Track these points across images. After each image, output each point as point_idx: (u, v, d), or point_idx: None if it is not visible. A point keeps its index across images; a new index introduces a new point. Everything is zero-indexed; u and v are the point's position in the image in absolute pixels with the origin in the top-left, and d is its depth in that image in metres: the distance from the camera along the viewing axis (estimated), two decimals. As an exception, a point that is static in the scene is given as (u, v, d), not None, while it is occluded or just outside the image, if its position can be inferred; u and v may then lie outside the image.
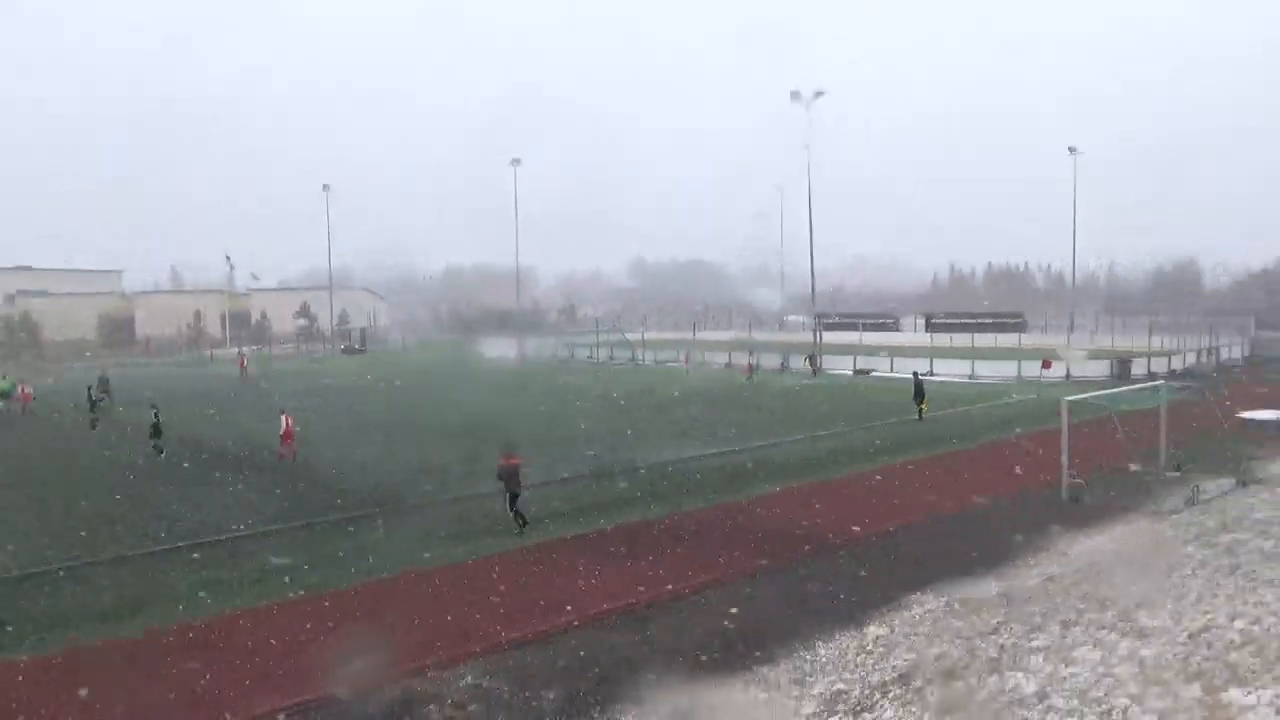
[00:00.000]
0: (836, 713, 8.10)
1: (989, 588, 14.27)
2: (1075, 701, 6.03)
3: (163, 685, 11.42)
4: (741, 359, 55.78)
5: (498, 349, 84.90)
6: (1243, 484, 20.31)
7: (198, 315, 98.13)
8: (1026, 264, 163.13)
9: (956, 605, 13.35)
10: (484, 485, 20.34)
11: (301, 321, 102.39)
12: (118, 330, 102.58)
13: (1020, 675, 7.16)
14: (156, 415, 28.61)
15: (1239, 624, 8.71)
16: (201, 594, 14.85)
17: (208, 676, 11.56)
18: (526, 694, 11.10)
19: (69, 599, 14.97)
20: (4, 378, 44.86)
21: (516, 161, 75.34)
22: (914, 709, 7.20)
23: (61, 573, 16.32)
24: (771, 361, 54.82)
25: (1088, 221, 76.74)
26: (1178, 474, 21.56)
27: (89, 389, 37.29)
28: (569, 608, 13.83)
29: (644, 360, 65.62)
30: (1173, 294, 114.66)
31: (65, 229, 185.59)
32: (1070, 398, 21.23)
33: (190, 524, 19.44)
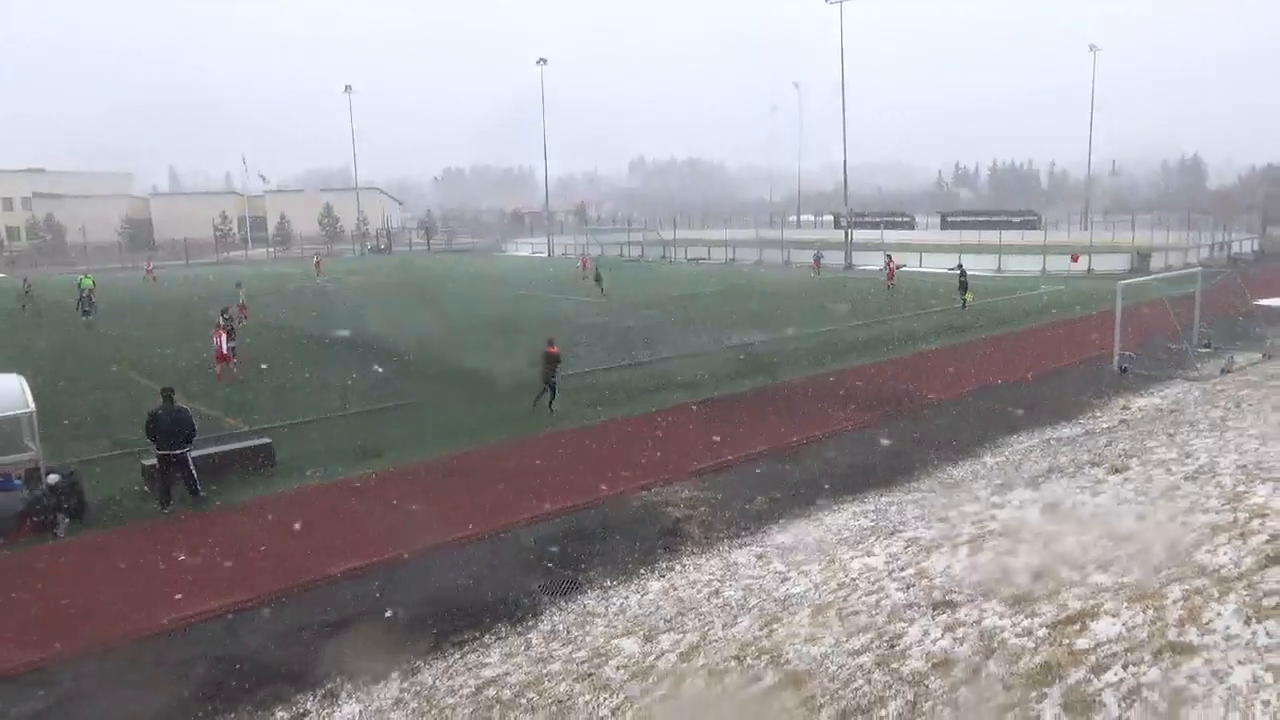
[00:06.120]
0: (1015, 488, 11.37)
1: (1071, 431, 17.66)
2: (1215, 454, 9.17)
3: (455, 498, 14.78)
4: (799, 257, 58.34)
5: (524, 249, 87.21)
6: (1268, 357, 23.62)
7: (224, 217, 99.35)
8: (1031, 161, 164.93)
9: (1051, 441, 16.75)
10: (605, 360, 23.62)
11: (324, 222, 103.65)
12: (139, 233, 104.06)
13: (1158, 452, 10.32)
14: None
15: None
16: (426, 439, 18.18)
17: (486, 492, 14.89)
18: (738, 501, 14.43)
19: (334, 441, 18.31)
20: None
21: (543, 61, 75.96)
22: (1082, 482, 10.39)
23: (329, 422, 19.96)
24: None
25: (1089, 121, 78.44)
26: (1209, 350, 24.89)
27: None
28: (735, 448, 17.14)
29: (675, 258, 68.35)
30: (1178, 191, 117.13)
31: (63, 129, 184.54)
32: (1123, 282, 24.33)
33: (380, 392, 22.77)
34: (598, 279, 44.92)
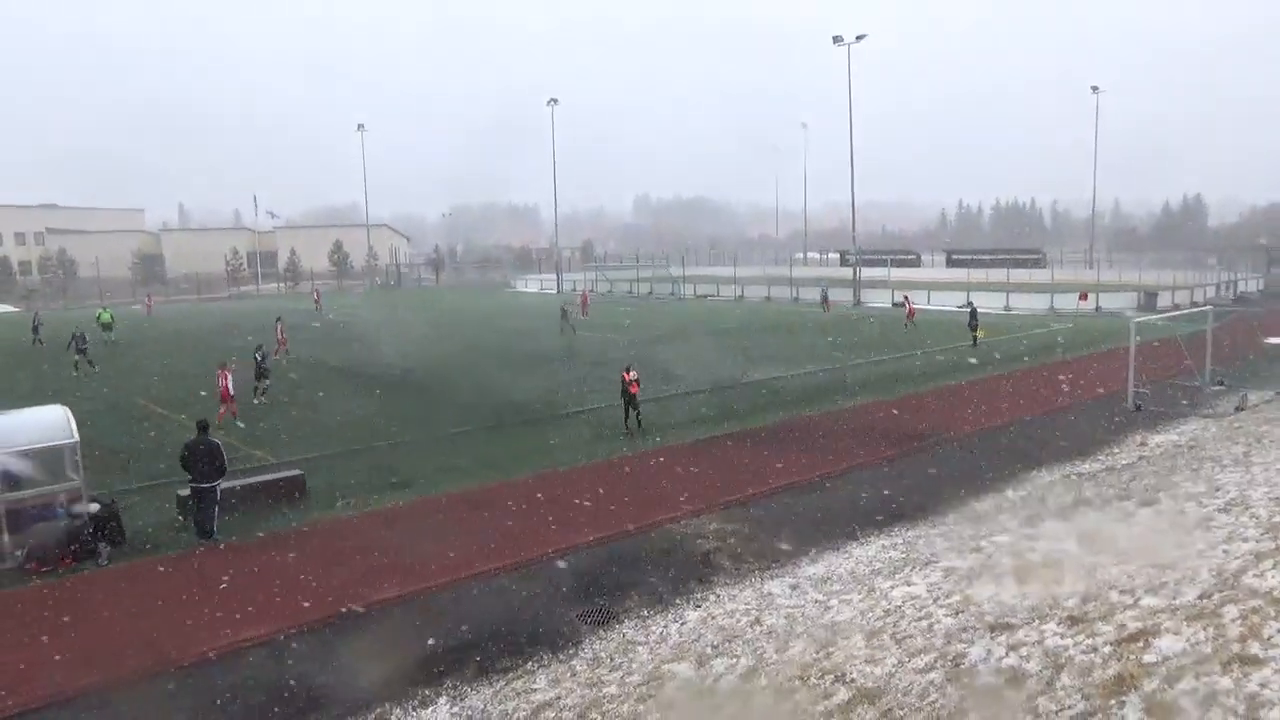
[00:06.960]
0: (1045, 520, 11.58)
1: (1092, 466, 17.86)
2: (1244, 487, 9.40)
3: (481, 529, 15.00)
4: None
5: (533, 285, 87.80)
6: (1280, 394, 23.85)
7: (235, 252, 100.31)
8: (1033, 200, 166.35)
9: (1072, 476, 16.95)
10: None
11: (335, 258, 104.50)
12: (150, 268, 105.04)
13: (1185, 486, 10.54)
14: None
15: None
16: (451, 471, 18.43)
17: (516, 522, 15.11)
18: (763, 533, 14.63)
19: (361, 473, 18.54)
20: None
21: (554, 101, 77.13)
22: (1112, 513, 10.61)
23: (355, 454, 20.08)
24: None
25: (1094, 160, 79.53)
26: (1221, 387, 25.12)
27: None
28: (758, 481, 17.37)
29: (685, 295, 68.90)
30: (1180, 230, 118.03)
31: (73, 165, 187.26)
32: (1137, 319, 24.66)
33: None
34: (564, 314, 45.30)
